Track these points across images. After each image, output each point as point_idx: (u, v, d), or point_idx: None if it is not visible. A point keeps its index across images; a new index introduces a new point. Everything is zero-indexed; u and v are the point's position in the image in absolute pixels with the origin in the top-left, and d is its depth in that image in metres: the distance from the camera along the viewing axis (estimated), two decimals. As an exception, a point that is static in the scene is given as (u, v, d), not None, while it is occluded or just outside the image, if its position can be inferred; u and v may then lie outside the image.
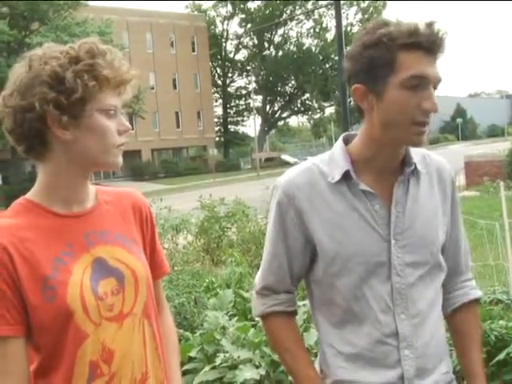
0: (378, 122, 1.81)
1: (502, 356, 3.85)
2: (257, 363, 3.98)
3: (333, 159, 1.92)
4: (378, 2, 65.02)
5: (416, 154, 1.92)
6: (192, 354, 4.31)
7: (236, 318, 4.74)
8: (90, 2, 43.17)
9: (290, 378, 3.87)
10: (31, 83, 1.63)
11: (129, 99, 1.78)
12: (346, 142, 1.95)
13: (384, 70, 1.76)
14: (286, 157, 67.63)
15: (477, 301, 2.10)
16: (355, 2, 64.66)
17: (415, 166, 1.89)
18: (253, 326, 4.45)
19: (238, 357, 3.97)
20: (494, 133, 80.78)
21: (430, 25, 1.75)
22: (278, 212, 1.92)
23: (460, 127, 76.71)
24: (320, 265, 1.90)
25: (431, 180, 1.96)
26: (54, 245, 1.66)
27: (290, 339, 1.97)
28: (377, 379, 1.87)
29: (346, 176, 1.86)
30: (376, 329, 1.86)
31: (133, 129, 54.54)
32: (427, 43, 1.74)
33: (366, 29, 1.81)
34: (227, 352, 4.05)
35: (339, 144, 1.95)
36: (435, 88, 1.79)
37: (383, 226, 1.86)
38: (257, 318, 3.95)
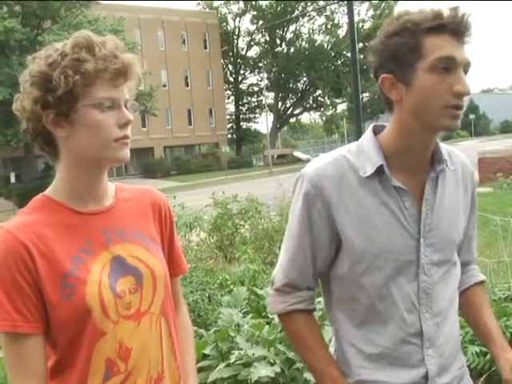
0: (409, 110, 1.78)
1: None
2: (271, 361, 3.97)
3: (363, 151, 1.87)
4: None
5: (443, 150, 1.90)
6: (206, 351, 4.30)
7: (250, 316, 4.72)
8: (101, 0, 43.17)
9: (304, 375, 3.88)
10: (25, 85, 1.66)
11: (136, 89, 1.74)
12: (375, 133, 1.90)
13: (411, 56, 1.73)
14: (298, 153, 67.47)
15: (483, 283, 2.15)
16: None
17: (446, 164, 1.87)
18: (267, 323, 4.44)
19: (253, 354, 3.96)
20: (507, 129, 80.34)
21: (454, 9, 1.73)
22: (304, 203, 1.86)
23: (473, 123, 76.27)
24: (345, 261, 1.86)
25: (456, 177, 1.95)
26: (72, 242, 1.67)
27: (312, 338, 1.93)
28: (400, 379, 1.85)
29: (378, 171, 1.82)
30: (400, 328, 1.84)
31: (145, 126, 54.63)
32: (452, 25, 1.72)
33: (388, 21, 1.80)
34: (242, 349, 4.04)
35: (369, 136, 1.90)
36: (465, 72, 1.75)
37: (413, 224, 1.84)
38: (273, 316, 3.94)
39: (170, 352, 1.81)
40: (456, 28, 1.72)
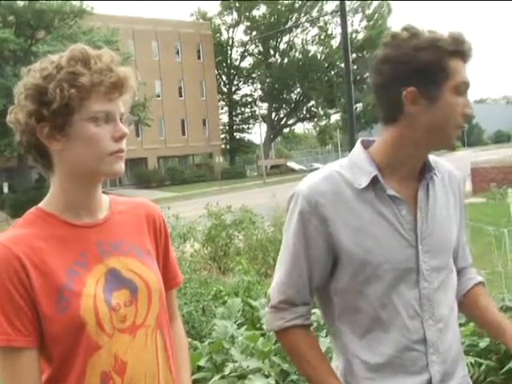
0: (425, 126, 1.81)
1: (512, 364, 3.82)
2: (266, 373, 3.94)
3: (355, 165, 1.89)
4: (383, 8, 64.95)
5: (431, 159, 1.94)
6: (201, 363, 4.27)
7: (245, 327, 4.71)
8: (95, 11, 43.25)
9: (299, 387, 3.86)
10: (20, 97, 1.65)
11: (131, 102, 1.74)
12: (364, 147, 1.93)
13: (439, 75, 1.78)
14: (291, 164, 67.63)
15: (483, 284, 2.15)
16: (360, 9, 64.64)
17: (434, 172, 1.91)
18: (262, 334, 4.43)
19: (248, 366, 3.93)
20: (500, 139, 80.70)
21: (461, 35, 1.82)
22: (299, 221, 1.87)
23: (466, 133, 76.51)
24: (345, 273, 1.87)
25: (444, 184, 1.98)
26: (67, 255, 1.65)
27: (311, 352, 1.93)
28: None
29: (372, 181, 1.84)
30: (404, 335, 1.85)
31: (138, 136, 54.61)
32: (467, 52, 1.82)
33: (403, 34, 1.82)
34: (236, 361, 4.01)
35: (360, 149, 1.92)
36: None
37: (410, 232, 1.86)
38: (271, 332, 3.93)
39: (165, 365, 1.79)
40: (468, 55, 1.83)
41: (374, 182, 1.84)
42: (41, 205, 1.73)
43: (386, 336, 1.85)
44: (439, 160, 2.03)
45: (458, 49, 1.79)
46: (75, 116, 1.62)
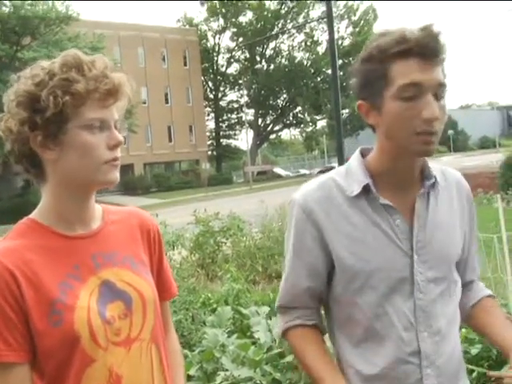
0: (383, 136, 1.80)
1: (504, 370, 3.80)
2: (258, 382, 3.92)
3: (350, 173, 1.88)
4: (369, 15, 65.25)
5: (434, 168, 1.90)
6: (191, 372, 4.24)
7: (235, 336, 4.67)
8: (81, 17, 43.12)
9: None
10: (11, 105, 1.61)
11: (124, 109, 1.71)
12: (363, 155, 1.92)
13: (378, 84, 1.73)
14: (278, 170, 67.82)
15: (492, 297, 2.08)
16: (346, 16, 64.88)
17: (435, 179, 1.86)
18: (253, 343, 4.40)
19: (239, 375, 3.91)
20: (486, 144, 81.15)
21: (423, 29, 1.69)
22: (296, 229, 1.88)
23: (451, 139, 76.91)
24: (339, 282, 1.85)
25: (450, 194, 1.94)
26: (60, 267, 1.62)
27: (312, 348, 1.91)
28: None
29: (365, 190, 1.82)
30: (398, 347, 1.81)
31: (125, 143, 54.27)
32: (419, 48, 1.67)
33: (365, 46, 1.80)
34: (227, 370, 3.99)
35: (356, 157, 1.91)
36: (437, 94, 1.71)
37: (405, 241, 1.82)
38: (258, 336, 3.90)
39: (161, 378, 1.76)
40: (423, 51, 1.67)
41: (366, 190, 1.82)
42: (32, 215, 1.69)
43: (381, 347, 1.82)
44: (447, 168, 1.99)
45: (400, 49, 1.67)
46: (69, 124, 1.59)
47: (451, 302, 1.90)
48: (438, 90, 1.71)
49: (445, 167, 1.99)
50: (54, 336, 1.56)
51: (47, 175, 1.66)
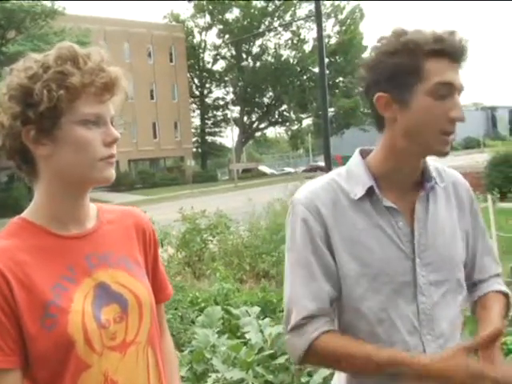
0: (402, 132, 1.76)
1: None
2: (250, 383, 3.86)
3: (352, 175, 1.85)
4: (356, 14, 65.42)
5: (432, 168, 1.87)
6: (181, 373, 4.17)
7: (226, 336, 4.61)
8: (67, 12, 42.88)
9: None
10: (3, 99, 1.54)
11: (121, 104, 1.65)
12: (362, 156, 1.88)
13: (410, 78, 1.71)
14: (263, 168, 67.88)
15: (505, 295, 1.98)
16: (333, 14, 64.97)
17: (435, 181, 1.85)
18: (244, 343, 4.34)
19: (231, 377, 3.84)
20: (470, 145, 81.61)
21: (452, 33, 1.72)
22: (304, 229, 1.80)
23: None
24: (342, 287, 1.79)
25: (448, 195, 1.91)
26: (53, 268, 1.55)
27: (353, 344, 1.75)
28: None
29: (368, 192, 1.79)
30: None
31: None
32: (452, 50, 1.71)
33: (385, 38, 1.76)
34: (218, 372, 3.92)
35: (357, 159, 1.88)
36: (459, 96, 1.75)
37: (407, 244, 1.80)
38: (250, 337, 3.83)
39: (157, 383, 1.70)
40: (455, 53, 1.72)
41: (370, 192, 1.79)
42: (24, 214, 1.63)
43: None
44: (445, 168, 1.97)
45: (436, 48, 1.70)
46: (63, 119, 1.53)
47: (453, 305, 1.86)
48: (460, 94, 1.75)
49: (442, 166, 1.96)
50: (47, 340, 1.49)
51: (40, 172, 1.59)
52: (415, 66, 1.70)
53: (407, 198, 1.83)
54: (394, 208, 1.79)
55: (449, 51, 1.71)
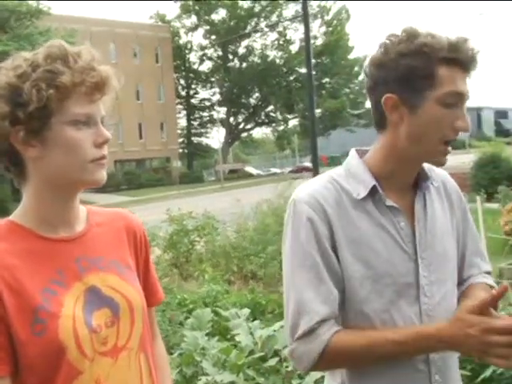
0: (406, 136, 1.73)
1: (487, 373, 3.79)
2: (240, 387, 3.83)
3: (352, 174, 1.81)
4: (342, 14, 65.53)
5: (426, 168, 1.86)
6: (170, 376, 4.13)
7: (216, 339, 4.57)
8: (53, 12, 42.68)
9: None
10: None
11: (112, 104, 1.61)
12: (359, 156, 1.86)
13: (422, 83, 1.68)
14: (249, 168, 67.90)
15: (490, 286, 1.95)
16: (319, 15, 65.06)
17: (430, 181, 1.84)
18: (234, 346, 4.31)
19: (222, 380, 3.80)
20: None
21: (466, 41, 1.69)
22: (309, 229, 1.73)
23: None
24: (346, 289, 1.74)
25: (440, 194, 1.91)
26: (42, 272, 1.51)
27: (367, 333, 1.70)
28: None
29: (371, 192, 1.76)
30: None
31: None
32: (465, 60, 1.69)
33: (395, 36, 1.72)
34: (208, 375, 3.88)
35: (356, 159, 1.84)
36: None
37: (409, 244, 1.78)
38: (240, 339, 3.79)
39: None
40: (468, 63, 1.70)
41: (373, 192, 1.76)
42: (12, 217, 1.59)
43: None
44: (434, 168, 1.93)
45: (451, 56, 1.67)
46: (53, 119, 1.49)
47: (452, 304, 1.84)
48: (465, 102, 1.73)
49: (430, 166, 1.92)
50: (37, 346, 1.45)
51: (29, 174, 1.55)
52: (429, 72, 1.67)
53: (406, 197, 1.81)
54: (396, 208, 1.77)
55: (462, 60, 1.68)
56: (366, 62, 1.80)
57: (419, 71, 1.67)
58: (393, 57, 1.70)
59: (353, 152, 1.87)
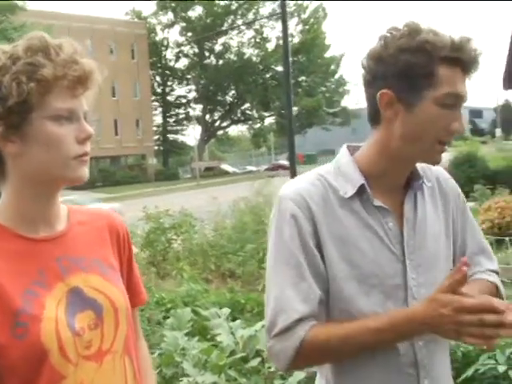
0: (400, 134, 1.68)
1: (469, 373, 3.77)
2: (223, 388, 3.77)
3: (341, 172, 1.76)
4: (319, 13, 65.75)
5: (419, 167, 1.81)
6: (149, 377, 4.06)
7: (196, 339, 4.51)
8: (29, 7, 42.24)
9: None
10: None
11: (94, 99, 1.57)
12: (350, 153, 1.80)
13: (421, 81, 1.62)
14: (225, 166, 67.92)
15: (496, 287, 1.88)
16: (296, 14, 65.21)
17: (423, 180, 1.79)
18: (214, 345, 4.25)
19: (203, 382, 3.73)
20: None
21: (469, 41, 1.64)
22: (293, 226, 1.68)
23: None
24: (330, 288, 1.69)
25: (433, 193, 1.85)
26: (23, 273, 1.45)
27: (343, 323, 1.65)
28: None
29: (359, 191, 1.71)
30: (394, 358, 1.68)
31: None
32: (467, 60, 1.64)
33: (396, 30, 1.67)
34: (189, 376, 3.81)
35: (346, 156, 1.79)
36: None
37: (397, 245, 1.72)
38: (221, 339, 3.74)
39: None
40: (469, 64, 1.65)
41: (361, 191, 1.71)
42: None
43: (375, 359, 1.68)
44: (427, 166, 1.88)
45: (453, 56, 1.62)
46: (34, 114, 1.43)
47: None
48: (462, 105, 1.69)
49: (425, 165, 1.87)
50: (18, 350, 1.39)
51: (8, 171, 1.49)
52: (429, 70, 1.61)
53: (395, 197, 1.76)
54: (385, 208, 1.72)
55: (464, 61, 1.64)
56: (364, 55, 1.73)
57: (419, 69, 1.62)
58: (392, 52, 1.64)
59: (344, 149, 1.82)
